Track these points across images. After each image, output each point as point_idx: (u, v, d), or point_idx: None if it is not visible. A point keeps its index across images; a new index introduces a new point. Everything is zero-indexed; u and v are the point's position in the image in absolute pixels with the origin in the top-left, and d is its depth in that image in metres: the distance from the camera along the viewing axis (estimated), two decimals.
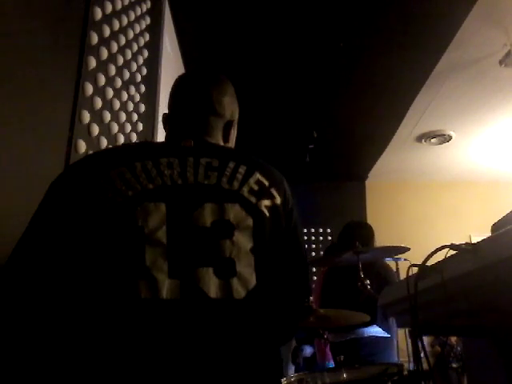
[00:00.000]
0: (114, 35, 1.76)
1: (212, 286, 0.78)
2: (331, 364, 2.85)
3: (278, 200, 0.94)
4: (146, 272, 0.76)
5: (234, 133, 1.11)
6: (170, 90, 1.13)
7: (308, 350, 2.94)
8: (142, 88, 2.09)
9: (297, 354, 3.08)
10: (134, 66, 1.99)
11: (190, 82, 1.10)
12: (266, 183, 0.94)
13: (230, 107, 1.08)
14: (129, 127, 1.90)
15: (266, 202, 0.91)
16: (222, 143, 1.06)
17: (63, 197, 0.84)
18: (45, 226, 0.82)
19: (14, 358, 0.73)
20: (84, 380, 0.71)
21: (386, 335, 2.49)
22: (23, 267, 0.78)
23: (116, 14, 1.78)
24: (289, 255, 0.96)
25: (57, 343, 0.74)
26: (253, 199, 0.89)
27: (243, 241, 0.84)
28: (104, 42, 1.66)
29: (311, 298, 2.89)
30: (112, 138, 1.71)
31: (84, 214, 0.81)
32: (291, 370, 3.17)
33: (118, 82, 1.78)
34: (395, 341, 2.57)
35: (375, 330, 2.46)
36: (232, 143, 1.11)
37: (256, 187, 0.91)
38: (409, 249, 2.13)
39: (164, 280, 0.76)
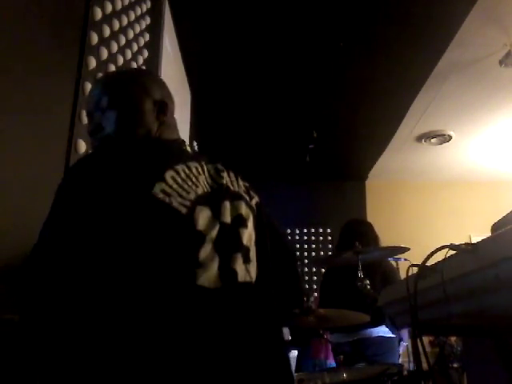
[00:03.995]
0: (114, 35, 1.76)
1: (241, 270, 0.87)
2: (326, 362, 2.85)
3: (258, 199, 1.06)
4: (200, 264, 0.82)
5: None
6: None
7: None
8: None
9: None
10: (134, 66, 1.99)
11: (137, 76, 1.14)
12: (247, 185, 1.06)
13: None
14: None
15: (253, 201, 1.03)
16: None
17: (116, 197, 0.82)
18: (103, 219, 0.80)
19: (74, 353, 0.74)
20: (146, 363, 0.72)
21: (393, 335, 2.49)
22: (84, 261, 0.78)
23: (116, 13, 1.78)
24: (274, 248, 1.05)
25: (117, 331, 0.75)
26: (247, 198, 1.01)
27: (252, 232, 0.96)
28: (104, 42, 1.66)
29: (312, 298, 2.90)
30: None
31: (155, 217, 0.82)
32: None
33: None
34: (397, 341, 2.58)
35: (383, 330, 2.47)
36: None
37: (244, 189, 1.03)
38: (409, 249, 2.13)
39: (215, 271, 0.82)
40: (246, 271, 0.88)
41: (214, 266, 0.83)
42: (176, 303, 0.78)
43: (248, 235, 0.93)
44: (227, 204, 0.94)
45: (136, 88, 1.04)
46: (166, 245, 0.81)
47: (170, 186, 0.85)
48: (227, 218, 0.92)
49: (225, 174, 1.00)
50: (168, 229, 0.82)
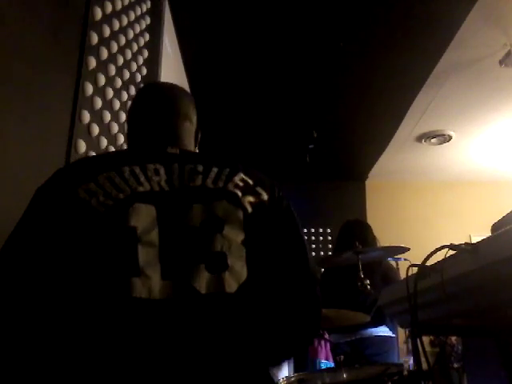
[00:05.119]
0: (114, 35, 1.76)
1: (203, 281, 0.78)
2: (322, 362, 2.85)
3: (265, 197, 0.94)
4: (139, 271, 0.76)
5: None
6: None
7: None
8: None
9: None
10: (134, 66, 1.99)
11: (158, 92, 1.12)
12: (251, 182, 0.95)
13: (196, 116, 1.13)
14: None
15: (251, 198, 0.92)
16: (193, 149, 1.09)
17: (52, 201, 0.84)
18: (34, 229, 0.81)
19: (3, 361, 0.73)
20: (74, 380, 0.70)
21: (392, 335, 2.49)
22: (12, 268, 0.78)
23: (116, 13, 1.78)
24: (290, 256, 0.95)
25: (45, 343, 0.74)
26: (238, 193, 0.91)
27: (234, 234, 0.85)
28: (104, 41, 1.66)
29: None
30: (112, 138, 1.71)
31: (75, 217, 0.80)
32: None
33: (118, 82, 1.78)
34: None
35: (383, 330, 2.47)
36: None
37: (241, 184, 0.93)
38: (409, 249, 2.13)
39: (157, 281, 0.76)
40: (215, 281, 0.79)
41: (155, 274, 0.76)
42: (106, 319, 0.73)
43: (226, 238, 0.83)
44: (198, 207, 0.85)
45: (132, 105, 1.14)
46: (88, 248, 0.78)
47: (100, 185, 0.82)
48: (193, 221, 0.84)
49: (209, 174, 0.91)
50: (88, 229, 0.79)
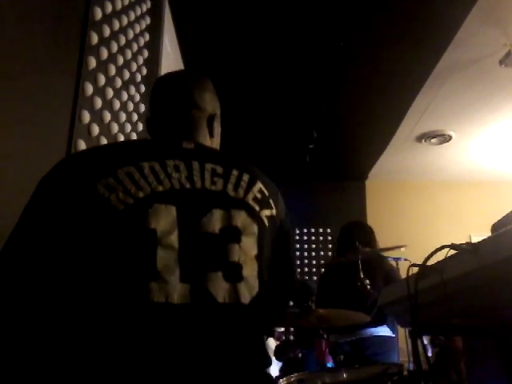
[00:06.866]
0: (114, 35, 1.76)
1: (220, 290, 0.78)
2: (329, 365, 2.84)
3: (275, 211, 0.96)
4: (157, 275, 0.75)
5: (218, 127, 1.12)
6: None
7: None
8: (142, 88, 2.09)
9: (283, 351, 3.11)
10: (134, 66, 1.99)
11: (171, 82, 1.10)
12: (266, 193, 0.96)
13: (212, 103, 1.10)
14: (129, 127, 1.90)
15: (267, 212, 0.93)
16: (208, 138, 1.06)
17: (66, 195, 0.80)
18: (44, 225, 0.79)
19: (16, 363, 0.72)
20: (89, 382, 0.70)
21: (392, 335, 2.49)
22: (24, 267, 0.76)
23: (116, 13, 1.78)
24: (280, 266, 0.99)
25: (63, 346, 0.73)
26: (256, 207, 0.91)
27: (249, 246, 0.86)
28: (104, 41, 1.66)
29: (313, 297, 2.90)
30: (112, 138, 1.71)
31: (93, 214, 0.78)
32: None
33: (118, 82, 1.78)
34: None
35: (383, 330, 2.47)
36: (217, 138, 1.12)
37: (259, 196, 0.93)
38: (404, 246, 2.12)
39: (176, 284, 0.75)
40: (231, 291, 0.79)
41: (174, 277, 0.75)
42: (124, 323, 0.72)
43: (242, 250, 0.84)
44: (217, 212, 0.84)
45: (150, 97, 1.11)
46: (106, 249, 0.76)
47: (120, 181, 0.80)
48: (213, 227, 0.83)
49: (230, 178, 0.90)
50: (106, 228, 0.77)
